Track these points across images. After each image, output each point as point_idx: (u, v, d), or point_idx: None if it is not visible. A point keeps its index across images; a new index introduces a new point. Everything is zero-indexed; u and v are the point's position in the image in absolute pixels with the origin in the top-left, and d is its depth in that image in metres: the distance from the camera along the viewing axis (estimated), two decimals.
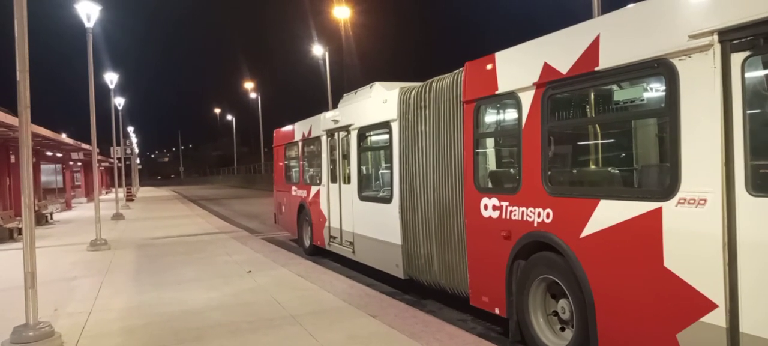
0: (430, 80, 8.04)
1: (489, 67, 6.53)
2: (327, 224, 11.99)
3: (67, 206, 32.67)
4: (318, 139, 12.52)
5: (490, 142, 7.39)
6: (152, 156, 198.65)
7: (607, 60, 4.86)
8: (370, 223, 9.91)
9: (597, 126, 6.20)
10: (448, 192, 7.44)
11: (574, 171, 6.47)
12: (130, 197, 38.64)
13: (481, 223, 6.62)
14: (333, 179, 11.68)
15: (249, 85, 73.81)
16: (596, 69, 4.94)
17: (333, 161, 11.70)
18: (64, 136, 30.77)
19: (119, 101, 36.25)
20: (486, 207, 6.48)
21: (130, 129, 63.33)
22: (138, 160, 69.28)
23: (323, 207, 12.15)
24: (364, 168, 10.76)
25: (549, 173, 5.68)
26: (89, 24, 15.17)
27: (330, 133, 11.77)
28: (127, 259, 12.63)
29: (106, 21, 22.26)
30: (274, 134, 16.56)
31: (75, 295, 8.96)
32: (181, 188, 74.70)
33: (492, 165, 7.37)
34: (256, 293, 8.55)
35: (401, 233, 8.74)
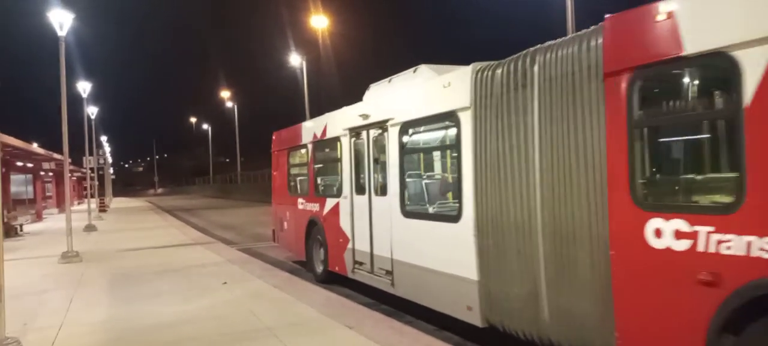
0: (532, 49, 5.58)
1: (660, 18, 4.18)
2: (350, 246, 9.30)
3: (38, 218, 31.38)
4: (336, 140, 9.86)
5: (663, 132, 4.89)
6: (126, 166, 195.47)
7: None
8: (420, 248, 7.38)
9: None
10: (573, 207, 4.98)
11: None
12: (102, 208, 37.77)
13: (648, 256, 4.23)
14: (359, 189, 9.08)
15: (225, 94, 73.09)
16: None
17: (360, 167, 9.13)
18: (35, 145, 29.89)
19: (92, 110, 35.41)
20: (659, 233, 4.14)
21: (104, 138, 62.31)
22: (111, 170, 68.20)
23: (345, 225, 9.51)
24: (409, 175, 8.25)
25: None
26: (62, 32, 14.43)
27: (355, 131, 9.15)
28: (100, 271, 11.86)
29: (80, 29, 21.94)
30: (274, 138, 13.49)
31: (45, 309, 8.48)
32: (155, 198, 73.55)
33: (671, 168, 4.98)
34: (232, 306, 8.15)
35: (478, 263, 6.17)
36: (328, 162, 11.01)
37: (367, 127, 8.79)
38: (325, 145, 10.71)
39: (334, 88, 56.62)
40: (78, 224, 21.40)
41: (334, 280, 10.10)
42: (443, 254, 6.84)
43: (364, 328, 6.72)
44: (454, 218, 6.66)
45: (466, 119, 6.39)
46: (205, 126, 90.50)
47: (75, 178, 50.40)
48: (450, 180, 8.05)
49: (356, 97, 9.79)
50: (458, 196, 6.62)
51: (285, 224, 12.73)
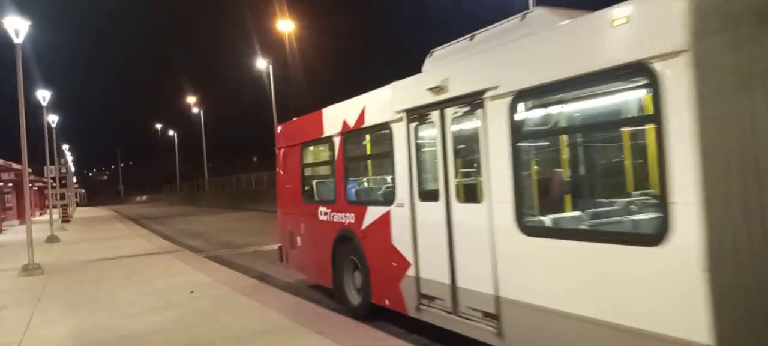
0: None
1: None
2: (411, 273, 6.76)
3: None
4: (384, 127, 7.29)
5: None
6: (90, 174, 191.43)
7: None
8: (563, 284, 4.76)
9: None
10: None
11: None
12: (66, 218, 36.94)
13: None
14: (427, 193, 6.55)
15: (191, 99, 72.26)
16: None
17: (427, 162, 6.72)
18: None
19: (53, 118, 34.66)
20: None
21: (66, 147, 60.92)
22: (74, 179, 66.65)
23: (400, 242, 6.95)
24: (532, 169, 5.81)
25: None
26: (18, 39, 14.17)
27: (418, 113, 6.59)
28: (62, 284, 11.66)
29: (38, 36, 21.28)
30: (278, 131, 10.99)
31: (4, 325, 8.28)
32: (121, 207, 72.08)
33: None
34: (199, 315, 8.05)
35: (713, 318, 3.61)
36: (368, 158, 9.05)
37: (442, 104, 6.16)
38: (364, 135, 8.33)
39: (303, 92, 56.27)
40: (40, 235, 20.88)
41: (380, 315, 7.69)
42: (622, 296, 4.27)
43: (334, 334, 6.64)
44: (650, 238, 4.11)
45: (673, 72, 3.83)
46: (171, 132, 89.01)
47: (36, 188, 49.03)
48: (631, 175, 5.51)
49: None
50: (659, 201, 4.07)
51: (298, 239, 10.00)
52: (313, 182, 9.75)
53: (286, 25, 33.84)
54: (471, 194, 6.05)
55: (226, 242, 20.07)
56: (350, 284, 8.43)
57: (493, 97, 5.40)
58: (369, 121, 7.72)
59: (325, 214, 8.86)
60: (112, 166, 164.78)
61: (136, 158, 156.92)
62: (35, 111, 25.96)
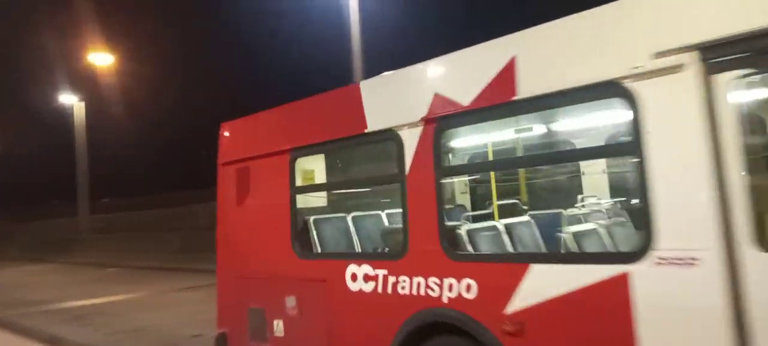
0: None
1: None
2: None
3: None
4: (596, 93, 3.50)
5: None
6: None
7: None
8: None
9: None
10: None
11: None
12: None
13: None
14: None
15: None
16: None
17: None
18: None
19: None
20: None
21: None
22: None
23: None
24: None
25: None
26: None
27: (760, 49, 2.82)
28: None
29: None
30: (227, 135, 6.27)
31: None
32: None
33: None
34: None
35: None
36: (521, 163, 5.55)
37: None
38: (510, 116, 4.38)
39: (121, 133, 52.02)
40: None
41: None
42: None
43: None
44: None
45: None
46: None
47: None
48: None
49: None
50: None
51: (279, 325, 5.40)
52: (320, 221, 5.57)
53: (99, 58, 31.23)
54: None
55: (13, 300, 17.45)
56: None
57: None
58: (531, 86, 3.76)
59: (370, 279, 4.59)
60: None
61: None
62: None
